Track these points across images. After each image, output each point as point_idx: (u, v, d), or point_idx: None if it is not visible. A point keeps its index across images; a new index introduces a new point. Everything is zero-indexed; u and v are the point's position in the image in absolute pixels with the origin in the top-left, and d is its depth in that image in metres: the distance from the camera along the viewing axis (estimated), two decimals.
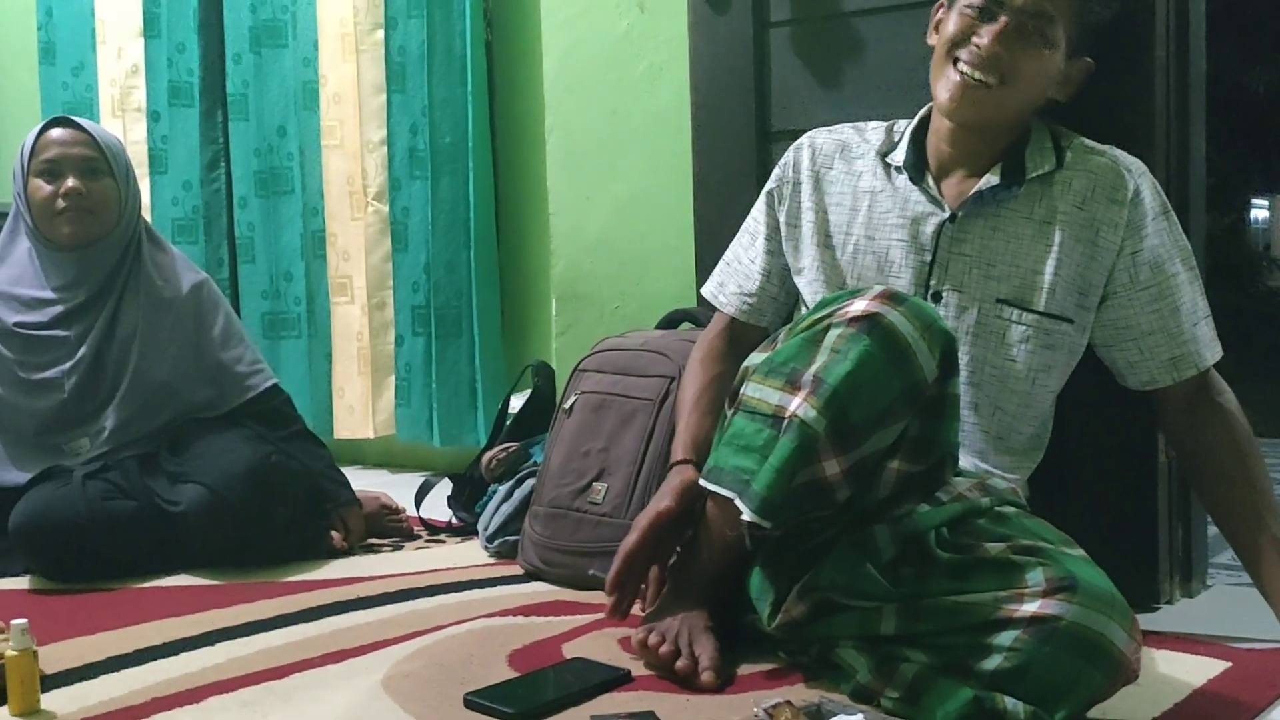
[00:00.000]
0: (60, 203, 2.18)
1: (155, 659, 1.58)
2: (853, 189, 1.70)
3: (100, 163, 2.21)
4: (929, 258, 1.61)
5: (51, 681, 1.47)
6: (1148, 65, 1.79)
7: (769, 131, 2.23)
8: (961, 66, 1.57)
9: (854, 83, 2.12)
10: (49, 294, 2.22)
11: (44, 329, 2.20)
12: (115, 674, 1.52)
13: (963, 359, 1.57)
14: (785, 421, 1.32)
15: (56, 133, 2.21)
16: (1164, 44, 1.81)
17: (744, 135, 2.24)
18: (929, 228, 1.62)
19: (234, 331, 2.34)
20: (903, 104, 1.79)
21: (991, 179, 1.59)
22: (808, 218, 1.72)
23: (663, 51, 2.59)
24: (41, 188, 2.19)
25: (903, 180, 1.66)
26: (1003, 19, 1.54)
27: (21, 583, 2.03)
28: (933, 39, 1.65)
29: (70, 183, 2.18)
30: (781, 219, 1.75)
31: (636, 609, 1.62)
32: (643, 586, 1.62)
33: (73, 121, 2.24)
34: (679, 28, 2.44)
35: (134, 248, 2.26)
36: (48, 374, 2.19)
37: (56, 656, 1.56)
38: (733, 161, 2.25)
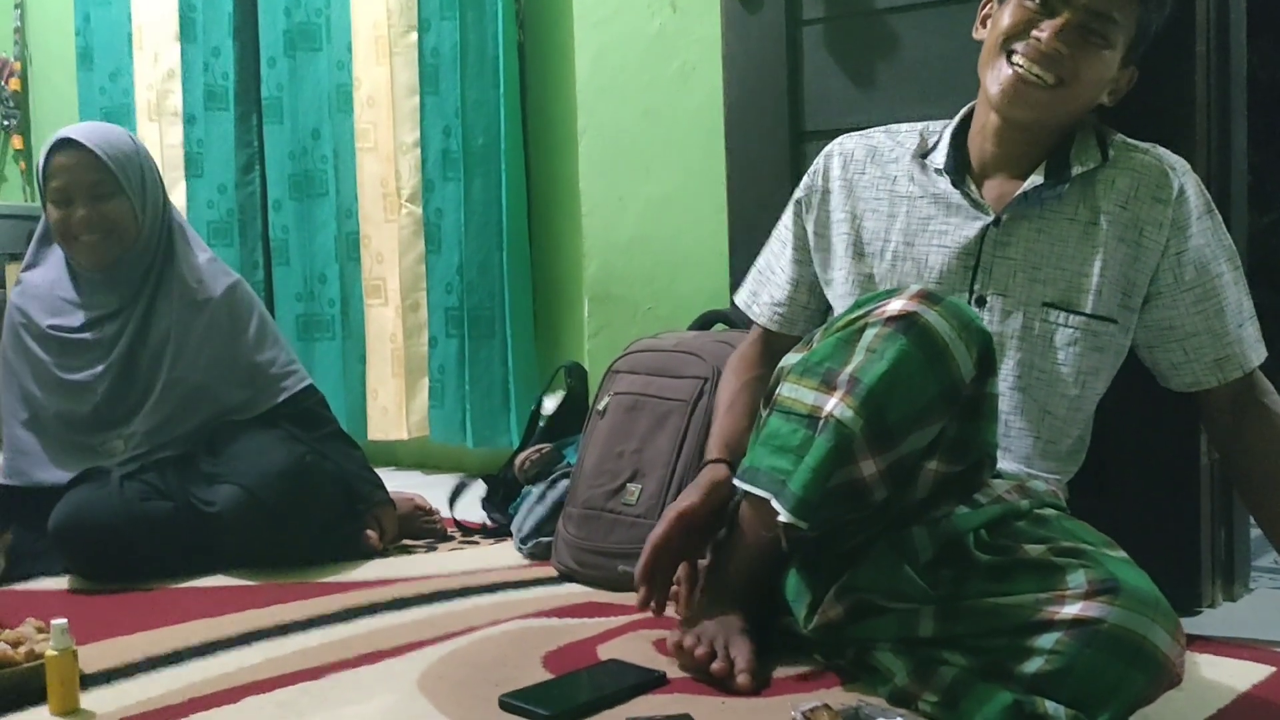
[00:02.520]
0: (74, 231, 2.18)
1: (192, 659, 1.59)
2: (889, 194, 1.65)
3: (109, 183, 2.17)
4: (973, 262, 1.58)
5: (90, 681, 1.48)
6: (1188, 61, 1.76)
7: (802, 131, 2.21)
8: (1017, 60, 1.52)
9: (889, 81, 2.10)
10: (81, 297, 2.24)
11: (76, 332, 2.22)
12: (153, 674, 1.53)
13: (1009, 364, 1.55)
14: (821, 422, 1.31)
15: (61, 158, 2.17)
16: (1204, 39, 1.78)
17: (777, 135, 2.23)
18: (972, 232, 1.58)
19: (268, 333, 2.34)
20: (940, 103, 1.77)
21: (1036, 179, 1.56)
22: (840, 228, 1.68)
23: (695, 51, 2.58)
24: (56, 215, 2.20)
25: (943, 183, 1.62)
26: (1065, 15, 1.49)
27: (61, 583, 2.05)
28: (980, 33, 1.61)
29: (80, 213, 2.17)
30: (809, 228, 1.72)
31: (670, 609, 1.60)
32: (675, 587, 1.59)
33: (77, 142, 2.16)
34: (711, 27, 2.43)
35: (161, 255, 2.26)
36: (81, 376, 2.20)
37: (95, 656, 1.57)
38: (766, 161, 2.24)
